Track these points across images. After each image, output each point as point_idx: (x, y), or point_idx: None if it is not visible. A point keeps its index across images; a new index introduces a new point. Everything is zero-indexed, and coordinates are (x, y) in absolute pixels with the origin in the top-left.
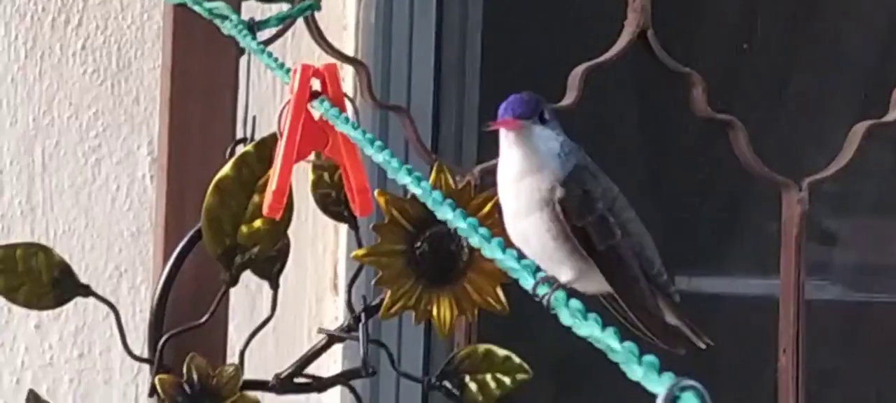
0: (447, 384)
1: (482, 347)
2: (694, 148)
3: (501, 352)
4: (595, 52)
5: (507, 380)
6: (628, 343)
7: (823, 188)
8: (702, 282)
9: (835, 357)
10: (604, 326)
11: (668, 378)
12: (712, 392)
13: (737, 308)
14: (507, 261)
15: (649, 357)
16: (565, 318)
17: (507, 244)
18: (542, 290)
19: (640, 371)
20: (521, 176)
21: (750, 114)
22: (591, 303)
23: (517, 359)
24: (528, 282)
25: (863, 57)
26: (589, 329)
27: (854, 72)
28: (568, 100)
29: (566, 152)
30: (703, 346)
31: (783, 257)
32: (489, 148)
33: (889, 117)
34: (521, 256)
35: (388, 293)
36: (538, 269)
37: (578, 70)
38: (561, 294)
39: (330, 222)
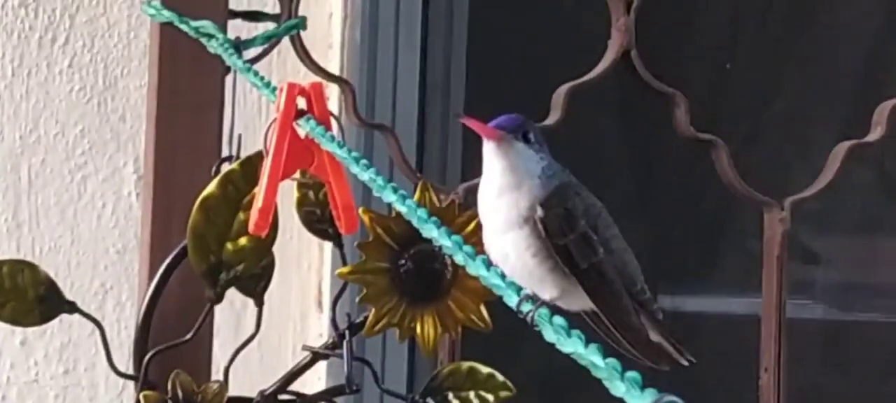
0: (431, 401)
1: (466, 364)
2: (677, 167)
3: (485, 370)
4: (579, 72)
5: (490, 398)
6: (611, 360)
7: (806, 207)
8: (685, 301)
9: (817, 376)
10: (587, 343)
11: (650, 394)
12: None
13: (720, 326)
14: (491, 279)
15: (632, 374)
16: (549, 335)
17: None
18: (527, 307)
19: (622, 387)
20: (501, 192)
21: (733, 134)
22: (575, 320)
23: (500, 377)
24: (512, 299)
25: (845, 76)
26: (573, 345)
27: (837, 92)
28: (552, 119)
29: (549, 174)
30: (685, 363)
31: (765, 277)
32: (473, 167)
33: (871, 137)
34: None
35: (373, 310)
36: (521, 287)
37: (562, 89)
38: (545, 311)
39: (315, 240)
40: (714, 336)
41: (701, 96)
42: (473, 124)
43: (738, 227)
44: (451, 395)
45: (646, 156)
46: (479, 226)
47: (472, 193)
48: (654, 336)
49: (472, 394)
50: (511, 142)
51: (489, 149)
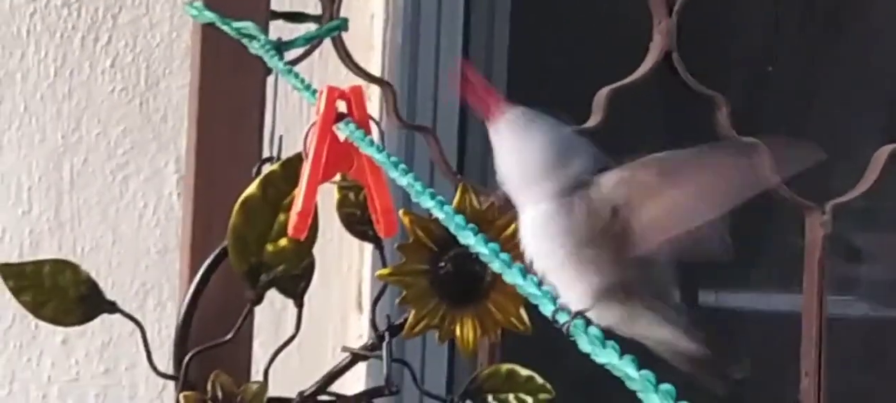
0: None
1: (505, 367)
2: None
3: (524, 372)
4: (621, 74)
5: (529, 400)
6: (645, 372)
7: (850, 204)
8: (728, 298)
9: (860, 374)
10: (622, 354)
11: None
12: None
13: (762, 323)
14: (527, 287)
15: (666, 386)
16: (584, 345)
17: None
18: (563, 318)
19: (656, 399)
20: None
21: (774, 136)
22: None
23: (540, 379)
24: (548, 309)
25: (887, 78)
26: (607, 356)
27: (879, 94)
28: (593, 121)
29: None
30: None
31: (806, 280)
32: None
33: None
34: (540, 282)
35: (412, 312)
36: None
37: (604, 91)
38: (580, 321)
39: (355, 241)
40: (756, 332)
41: (743, 99)
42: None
43: (782, 223)
44: (490, 397)
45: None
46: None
47: None
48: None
49: (511, 397)
50: (509, 120)
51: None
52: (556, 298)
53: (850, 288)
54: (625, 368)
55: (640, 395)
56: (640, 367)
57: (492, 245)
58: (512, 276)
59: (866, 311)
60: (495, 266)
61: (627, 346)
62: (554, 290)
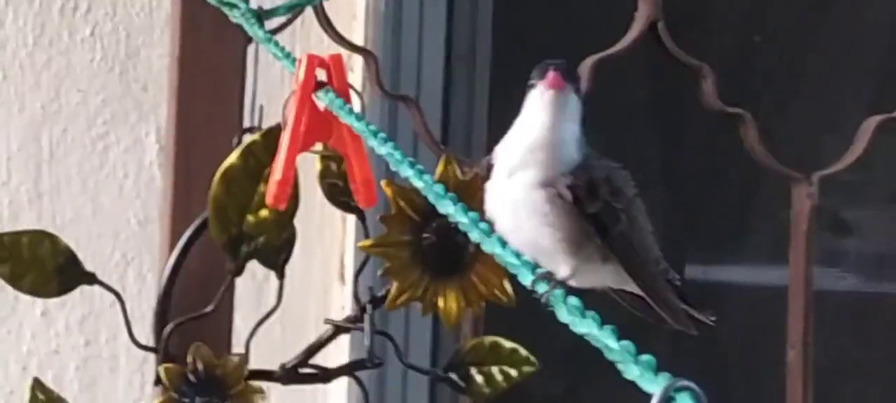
0: (453, 376)
1: (489, 339)
2: (706, 139)
3: (508, 345)
4: (606, 43)
5: (513, 372)
6: (625, 342)
7: (837, 177)
8: (715, 271)
9: (846, 346)
10: (602, 324)
11: (663, 379)
12: (718, 386)
13: (749, 296)
14: (506, 257)
15: (646, 357)
16: (563, 316)
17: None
18: (542, 287)
19: (636, 370)
20: (537, 147)
21: (761, 106)
22: (591, 297)
23: (524, 351)
24: (527, 278)
25: (875, 50)
26: (587, 326)
27: (866, 65)
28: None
29: (583, 138)
30: (709, 322)
31: (792, 252)
32: (498, 138)
33: None
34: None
35: (395, 284)
36: (538, 265)
37: (588, 61)
38: (559, 291)
39: (337, 212)
40: (743, 306)
41: (729, 69)
42: (550, 83)
43: (769, 195)
44: (474, 370)
45: (673, 129)
46: None
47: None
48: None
49: (495, 369)
50: (567, 95)
51: (544, 98)
52: (535, 267)
53: (838, 262)
54: (605, 339)
55: (620, 366)
56: (620, 338)
57: (472, 214)
58: (491, 246)
59: (854, 285)
60: (474, 235)
61: (608, 316)
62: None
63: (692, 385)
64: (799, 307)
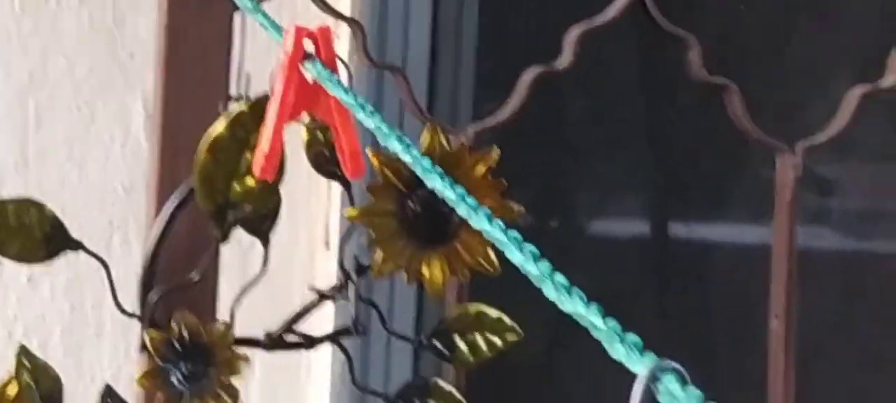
0: (437, 344)
1: (473, 308)
2: (692, 108)
3: (493, 313)
4: (592, 13)
5: (497, 341)
6: (612, 322)
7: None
8: (699, 230)
9: (830, 306)
10: (588, 303)
11: (649, 359)
12: (701, 344)
13: (733, 255)
14: (494, 232)
15: (632, 337)
16: (549, 293)
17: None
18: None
19: (622, 350)
20: None
21: (747, 76)
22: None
23: (509, 320)
24: (515, 255)
25: (861, 20)
26: (573, 305)
27: (852, 35)
28: (563, 62)
29: None
30: None
31: (776, 222)
32: (485, 108)
33: (885, 82)
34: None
35: (380, 252)
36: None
37: (574, 31)
38: (546, 267)
39: (323, 181)
40: (729, 265)
41: (715, 38)
42: None
43: (752, 157)
44: (458, 338)
45: (660, 99)
46: (488, 170)
47: (482, 136)
48: None
49: (479, 337)
50: None
51: None
52: (522, 243)
53: (820, 220)
54: (591, 317)
55: (606, 345)
56: (606, 316)
57: (459, 189)
58: (478, 221)
59: (838, 243)
60: (462, 210)
61: (592, 290)
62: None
63: (677, 366)
64: (782, 276)
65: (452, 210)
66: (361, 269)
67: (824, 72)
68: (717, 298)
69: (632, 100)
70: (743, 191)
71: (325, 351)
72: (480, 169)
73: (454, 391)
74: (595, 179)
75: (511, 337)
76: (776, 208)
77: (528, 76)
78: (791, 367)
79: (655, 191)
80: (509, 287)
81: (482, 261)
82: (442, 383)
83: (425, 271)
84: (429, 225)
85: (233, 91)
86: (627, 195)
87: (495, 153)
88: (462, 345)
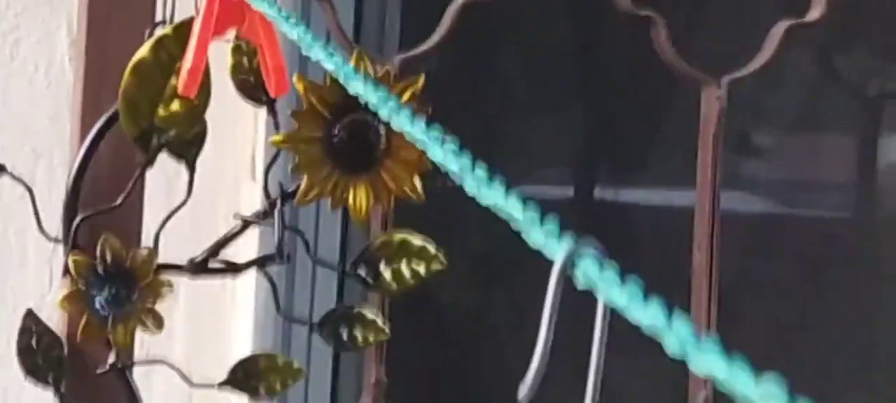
0: (362, 271)
1: (398, 235)
2: (617, 47)
3: (417, 241)
4: None
5: (421, 269)
6: (530, 212)
7: (747, 97)
8: (626, 193)
9: (750, 267)
10: (508, 193)
11: (566, 243)
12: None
13: (659, 217)
14: (416, 133)
15: (550, 224)
16: (470, 186)
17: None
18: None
19: (540, 236)
20: None
21: (675, 13)
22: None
23: (433, 249)
24: (436, 152)
25: None
26: (493, 196)
27: None
28: None
29: None
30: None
31: (700, 156)
32: (411, 39)
33: (810, 16)
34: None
35: (305, 179)
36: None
37: None
38: (467, 162)
39: (249, 108)
40: (653, 226)
41: None
42: None
43: (681, 118)
44: (382, 265)
45: (584, 35)
46: (413, 98)
47: (408, 65)
48: None
49: (403, 265)
50: None
51: None
52: (444, 142)
53: (743, 185)
54: (510, 208)
55: (524, 233)
56: (525, 208)
57: (381, 91)
58: (400, 122)
59: (761, 207)
60: (384, 112)
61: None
62: None
63: (595, 247)
64: (706, 207)
65: (378, 137)
66: (286, 196)
67: (755, 12)
68: (643, 257)
69: (555, 42)
70: (671, 153)
71: (250, 279)
72: (407, 95)
73: (378, 318)
74: (521, 112)
75: (435, 266)
76: (701, 140)
77: (455, 6)
78: (714, 300)
79: (582, 141)
80: (434, 214)
81: (407, 189)
82: (366, 310)
83: (350, 198)
84: (354, 153)
85: (158, 16)
86: (551, 131)
87: (421, 79)
88: (386, 273)
